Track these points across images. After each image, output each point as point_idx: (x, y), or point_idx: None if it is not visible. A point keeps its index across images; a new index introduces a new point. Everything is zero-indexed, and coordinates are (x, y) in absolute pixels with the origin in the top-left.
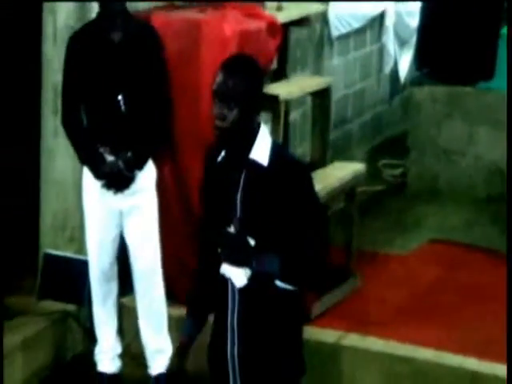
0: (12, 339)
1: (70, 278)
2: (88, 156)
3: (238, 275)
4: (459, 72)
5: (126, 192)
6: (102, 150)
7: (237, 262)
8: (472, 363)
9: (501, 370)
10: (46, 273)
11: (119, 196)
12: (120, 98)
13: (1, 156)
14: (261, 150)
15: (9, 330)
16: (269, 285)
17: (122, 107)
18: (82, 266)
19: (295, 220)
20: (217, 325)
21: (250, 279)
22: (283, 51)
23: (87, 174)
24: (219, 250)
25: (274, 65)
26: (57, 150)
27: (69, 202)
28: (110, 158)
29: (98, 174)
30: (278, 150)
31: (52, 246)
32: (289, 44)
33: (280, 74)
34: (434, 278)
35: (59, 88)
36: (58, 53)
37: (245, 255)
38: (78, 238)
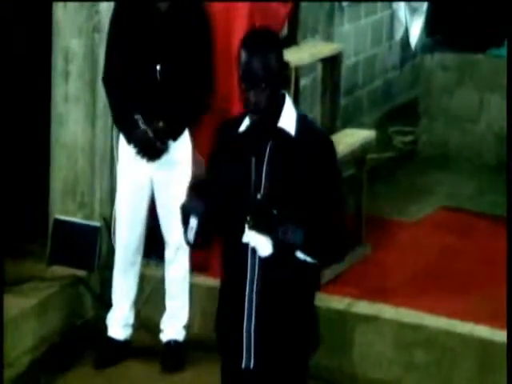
0: (22, 304)
1: (80, 244)
2: (121, 119)
3: (264, 243)
4: (470, 39)
5: (159, 162)
6: (137, 116)
7: (265, 230)
8: (483, 331)
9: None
10: (55, 238)
11: (152, 165)
12: (158, 67)
13: (12, 122)
14: (288, 120)
15: (19, 295)
16: (290, 256)
17: (159, 77)
18: (93, 232)
19: (319, 191)
20: (229, 296)
21: (274, 249)
22: (294, 17)
23: (123, 139)
24: (245, 218)
25: (285, 31)
26: (67, 116)
27: (79, 167)
28: (142, 126)
29: (128, 139)
30: (304, 120)
31: (62, 211)
32: (299, 10)
33: (290, 41)
34: (445, 246)
35: (69, 53)
36: (68, 18)
37: (273, 223)
38: (88, 203)
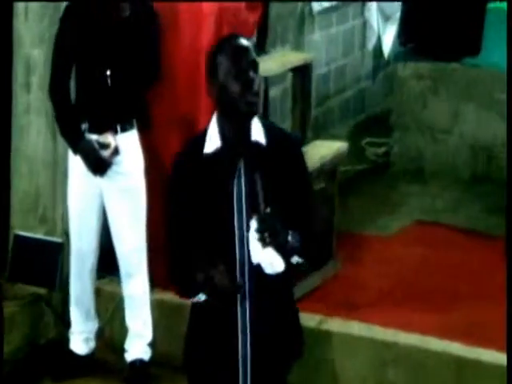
0: None
1: (42, 261)
2: (67, 130)
3: (278, 258)
4: (445, 47)
5: (111, 173)
6: (84, 126)
7: (281, 244)
8: (457, 348)
9: (486, 355)
10: (16, 255)
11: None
12: (108, 73)
13: None
14: (257, 129)
15: None
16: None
17: (109, 82)
18: (54, 248)
19: (297, 194)
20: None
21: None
22: (263, 26)
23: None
24: (259, 237)
25: (254, 40)
26: (28, 127)
27: (40, 180)
28: (90, 136)
29: (74, 151)
30: (270, 126)
31: (23, 226)
32: (269, 18)
33: (260, 50)
34: (419, 260)
35: (31, 63)
36: (29, 28)
37: (285, 235)
38: (50, 218)
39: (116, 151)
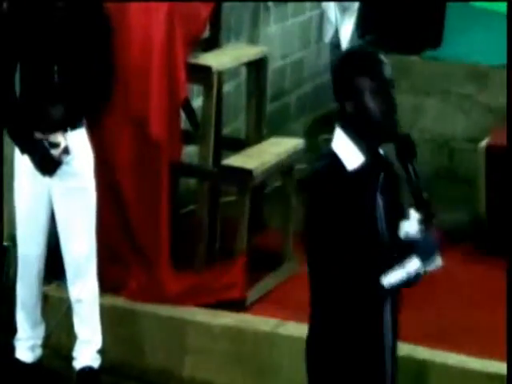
0: None
1: None
2: (13, 129)
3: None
4: (405, 40)
5: (60, 173)
6: (31, 126)
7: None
8: (423, 352)
9: (452, 358)
10: None
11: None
12: (56, 68)
13: None
14: None
15: None
16: None
17: (56, 78)
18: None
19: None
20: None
21: None
22: (216, 19)
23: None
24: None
25: (207, 33)
26: None
27: None
28: (38, 135)
29: (22, 150)
30: None
31: None
32: (222, 11)
33: (213, 43)
34: None
35: None
36: None
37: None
38: None
39: (66, 150)
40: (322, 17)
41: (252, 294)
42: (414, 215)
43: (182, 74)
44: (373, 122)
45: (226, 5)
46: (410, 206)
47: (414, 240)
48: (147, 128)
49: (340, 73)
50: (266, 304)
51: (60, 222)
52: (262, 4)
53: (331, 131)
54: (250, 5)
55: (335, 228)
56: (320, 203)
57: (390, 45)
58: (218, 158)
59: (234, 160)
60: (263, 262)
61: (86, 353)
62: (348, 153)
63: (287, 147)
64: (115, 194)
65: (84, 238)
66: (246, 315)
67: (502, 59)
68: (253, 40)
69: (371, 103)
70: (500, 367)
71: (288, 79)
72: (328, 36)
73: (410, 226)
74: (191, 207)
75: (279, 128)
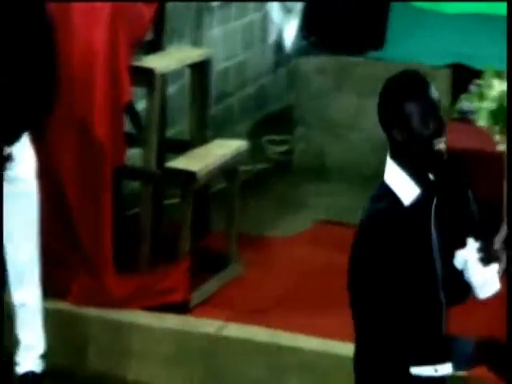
0: None
1: None
2: None
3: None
4: (348, 41)
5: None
6: None
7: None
8: None
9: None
10: None
11: None
12: None
13: None
14: None
15: None
16: None
17: None
18: None
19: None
20: None
21: None
22: (159, 20)
23: None
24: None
25: (150, 35)
26: None
27: None
28: None
29: None
30: None
31: None
32: (165, 12)
33: (156, 46)
34: (322, 262)
35: None
36: None
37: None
38: None
39: (9, 157)
40: (265, 18)
41: (196, 297)
42: (472, 243)
43: (126, 77)
44: (424, 148)
45: (169, 7)
46: (468, 234)
47: (452, 341)
48: (90, 131)
49: (387, 99)
50: (210, 306)
51: (2, 228)
52: (205, 6)
53: (274, 132)
54: (193, 7)
55: (395, 271)
56: (384, 246)
57: (333, 46)
58: (161, 160)
59: (178, 162)
60: (207, 265)
61: (29, 358)
62: (403, 186)
63: (231, 149)
64: (59, 197)
65: (27, 243)
66: (190, 318)
67: (445, 60)
68: (196, 42)
69: (423, 131)
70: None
71: (231, 81)
72: (271, 37)
73: (468, 254)
74: (136, 210)
75: (223, 130)
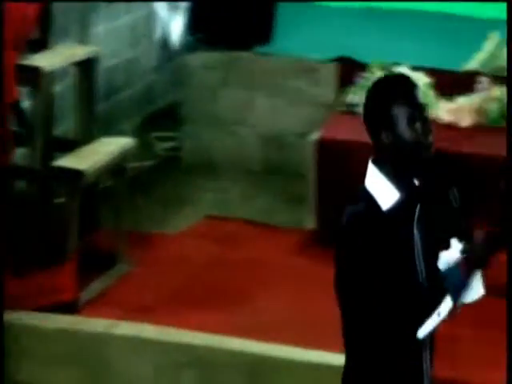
0: None
1: None
2: None
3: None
4: (234, 36)
5: None
6: None
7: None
8: (255, 346)
9: (286, 352)
10: None
11: None
12: None
13: None
14: None
15: None
16: None
17: None
18: None
19: None
20: None
21: None
22: (44, 18)
23: None
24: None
25: (35, 34)
26: None
27: None
28: None
29: None
30: None
31: None
32: (50, 11)
33: (42, 44)
34: (212, 257)
35: None
36: None
37: None
38: None
39: None
40: (151, 15)
41: (84, 296)
42: (456, 245)
43: (11, 76)
44: (411, 150)
45: (54, 5)
46: (452, 235)
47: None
48: None
49: (374, 102)
50: (99, 305)
51: None
52: (90, 4)
53: (162, 129)
54: (79, 5)
55: (376, 272)
56: (358, 248)
57: (220, 41)
58: (48, 159)
59: (65, 161)
60: (96, 263)
61: None
62: (382, 191)
63: (118, 146)
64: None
65: None
66: (79, 317)
67: (331, 53)
68: (83, 40)
69: (408, 132)
70: (330, 358)
71: (119, 78)
72: (158, 34)
73: (452, 256)
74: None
75: (110, 127)
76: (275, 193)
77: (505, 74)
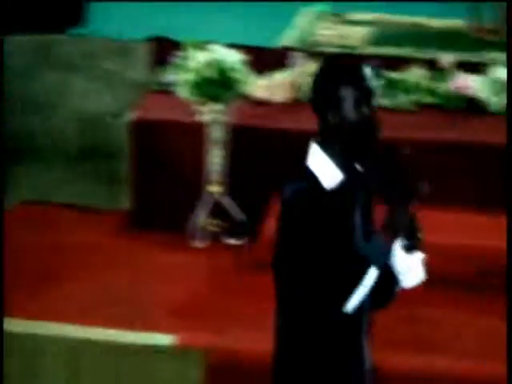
0: None
1: None
2: None
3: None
4: (46, 19)
5: None
6: None
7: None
8: (73, 331)
9: (105, 335)
10: None
11: None
12: None
13: None
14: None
15: None
16: None
17: None
18: None
19: None
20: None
21: None
22: None
23: None
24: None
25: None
26: None
27: None
28: None
29: None
30: None
31: None
32: None
33: None
34: (30, 242)
35: None
36: None
37: None
38: None
39: None
40: None
41: None
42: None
43: None
44: (355, 133)
45: None
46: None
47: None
48: None
49: (322, 83)
50: None
51: None
52: None
53: None
54: None
55: (313, 250)
56: (298, 226)
57: (33, 24)
58: None
59: None
60: None
61: None
62: (325, 170)
63: None
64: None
65: None
66: None
67: (145, 33)
68: None
69: (354, 113)
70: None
71: None
72: None
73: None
74: None
75: None
76: (94, 175)
77: (318, 49)
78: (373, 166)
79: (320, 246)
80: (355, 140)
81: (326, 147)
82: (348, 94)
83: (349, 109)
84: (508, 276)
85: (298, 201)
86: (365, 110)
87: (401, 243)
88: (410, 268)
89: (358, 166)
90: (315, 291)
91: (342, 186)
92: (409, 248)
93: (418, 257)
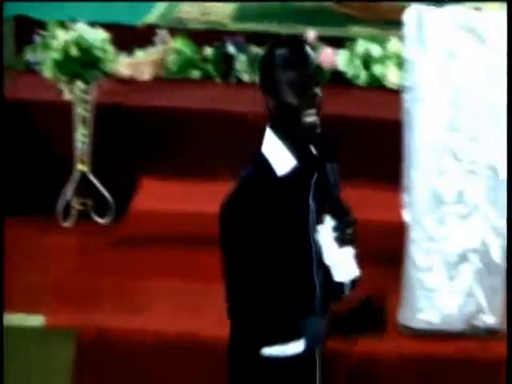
0: None
1: None
2: None
3: (354, 262)
4: None
5: None
6: None
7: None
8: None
9: (14, 319)
10: None
11: None
12: None
13: None
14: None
15: None
16: None
17: None
18: None
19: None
20: None
21: None
22: None
23: None
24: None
25: None
26: None
27: None
28: None
29: None
30: None
31: None
32: None
33: None
34: None
35: None
36: None
37: None
38: None
39: None
40: None
41: None
42: (329, 221)
43: None
44: (292, 118)
45: None
46: (328, 210)
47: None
48: None
49: (261, 66)
50: None
51: None
52: None
53: None
54: None
55: (265, 238)
56: (250, 214)
57: None
58: None
59: None
60: None
61: None
62: (278, 156)
63: None
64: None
65: None
66: None
67: (7, 12)
68: None
69: (291, 96)
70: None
71: None
72: None
73: (323, 231)
74: None
75: None
76: None
77: (182, 26)
78: (325, 148)
79: (275, 237)
80: (293, 125)
81: (278, 132)
82: (283, 77)
83: (284, 92)
84: (508, 276)
85: (242, 189)
86: (302, 94)
87: (333, 235)
88: (339, 263)
89: (312, 150)
90: (263, 275)
91: (295, 172)
92: (340, 241)
93: (349, 251)
